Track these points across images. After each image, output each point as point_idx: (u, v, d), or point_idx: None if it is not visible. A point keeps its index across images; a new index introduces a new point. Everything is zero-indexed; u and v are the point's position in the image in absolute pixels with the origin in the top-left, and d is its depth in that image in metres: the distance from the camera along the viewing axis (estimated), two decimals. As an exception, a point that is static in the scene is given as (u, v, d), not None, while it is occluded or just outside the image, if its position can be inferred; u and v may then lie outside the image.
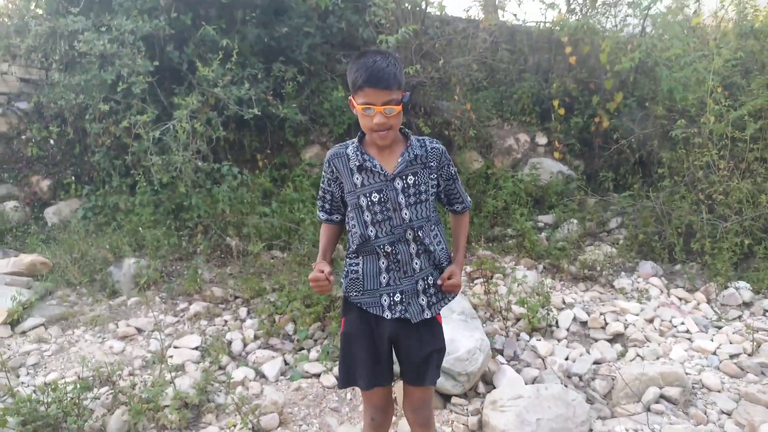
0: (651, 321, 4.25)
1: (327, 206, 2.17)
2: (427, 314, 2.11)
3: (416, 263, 2.08)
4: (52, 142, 5.98)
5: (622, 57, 5.70)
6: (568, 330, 4.17)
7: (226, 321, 4.18)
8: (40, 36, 5.44)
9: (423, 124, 6.02)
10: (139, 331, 4.04)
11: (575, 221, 5.57)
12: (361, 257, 2.10)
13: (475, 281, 4.76)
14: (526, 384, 3.45)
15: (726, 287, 4.53)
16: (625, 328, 4.15)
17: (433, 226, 2.13)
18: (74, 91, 5.38)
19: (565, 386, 3.43)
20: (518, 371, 3.64)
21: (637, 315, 4.29)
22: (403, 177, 2.02)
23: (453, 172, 2.16)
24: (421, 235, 2.06)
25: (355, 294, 2.12)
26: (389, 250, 2.05)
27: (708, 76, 4.99)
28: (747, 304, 4.43)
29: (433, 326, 2.17)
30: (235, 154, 5.96)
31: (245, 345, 3.92)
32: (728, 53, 5.14)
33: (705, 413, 3.25)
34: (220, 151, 5.75)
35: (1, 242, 5.34)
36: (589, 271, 4.89)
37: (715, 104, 4.94)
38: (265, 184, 5.64)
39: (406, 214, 2.03)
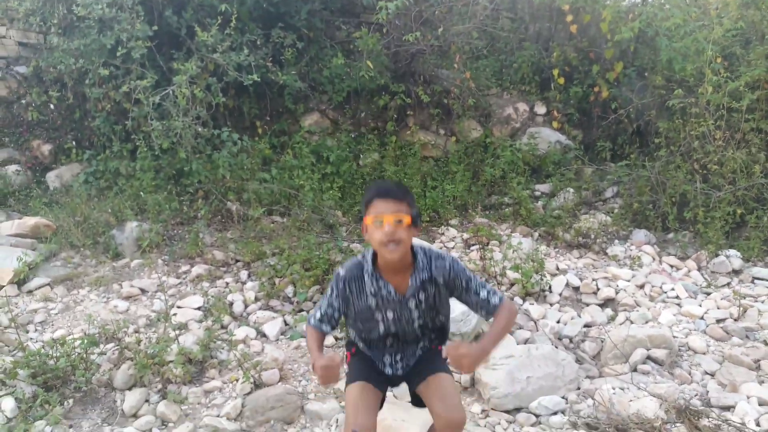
0: (642, 287, 4.36)
1: (324, 317, 2.15)
2: (419, 354, 2.26)
3: (421, 346, 2.27)
4: (52, 106, 5.98)
5: (622, 26, 5.68)
6: (560, 295, 4.28)
7: (227, 283, 4.28)
8: (38, -1, 5.42)
9: (422, 93, 6.03)
10: (143, 291, 4.14)
11: (571, 190, 5.64)
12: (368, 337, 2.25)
13: (471, 247, 4.85)
14: (517, 345, 3.57)
15: (717, 255, 4.63)
16: (616, 293, 4.26)
17: (447, 320, 2.29)
18: (73, 55, 5.36)
19: (556, 347, 3.55)
20: (511, 333, 3.75)
21: (628, 281, 4.40)
22: (416, 296, 2.10)
23: (464, 283, 2.10)
24: (428, 336, 2.23)
25: (362, 344, 2.28)
26: (396, 348, 2.23)
27: (707, 47, 4.99)
28: (736, 272, 4.54)
29: (433, 353, 2.29)
30: (235, 121, 5.98)
31: (246, 306, 4.03)
32: (729, 23, 5.13)
33: (689, 374, 3.38)
34: (220, 117, 5.77)
35: (4, 205, 5.40)
36: (583, 239, 4.99)
37: (713, 75, 4.96)
38: (265, 151, 5.68)
39: (417, 324, 2.16)
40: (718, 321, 3.88)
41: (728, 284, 4.40)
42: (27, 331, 3.63)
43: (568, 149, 6.26)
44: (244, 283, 4.30)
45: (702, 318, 3.93)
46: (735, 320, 3.88)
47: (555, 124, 6.48)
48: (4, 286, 4.03)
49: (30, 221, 4.71)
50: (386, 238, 1.93)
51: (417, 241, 2.24)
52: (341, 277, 2.10)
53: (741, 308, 3.94)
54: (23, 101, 6.09)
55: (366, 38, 5.72)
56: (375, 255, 2.08)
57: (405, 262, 2.05)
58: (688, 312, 3.98)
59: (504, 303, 2.09)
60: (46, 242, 4.61)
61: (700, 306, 4.07)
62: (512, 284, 4.29)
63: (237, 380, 3.18)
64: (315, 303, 4.07)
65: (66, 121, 6.05)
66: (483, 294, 2.08)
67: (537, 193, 5.86)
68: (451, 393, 2.13)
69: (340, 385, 3.23)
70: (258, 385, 3.15)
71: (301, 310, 4.02)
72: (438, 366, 2.22)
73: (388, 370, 2.26)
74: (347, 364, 2.31)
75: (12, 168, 5.82)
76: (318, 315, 2.16)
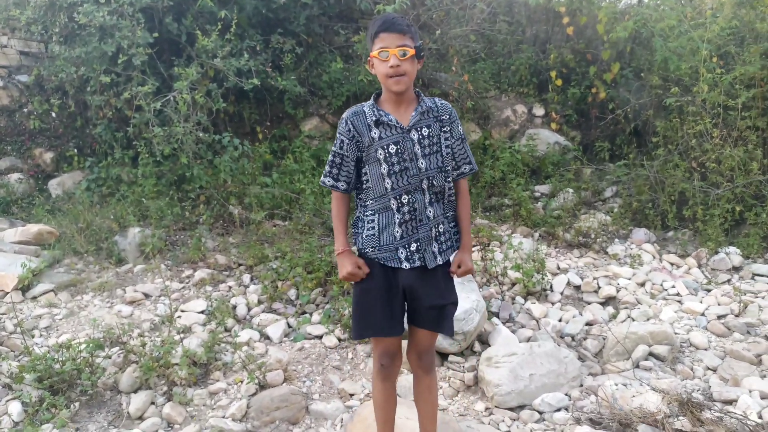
0: (642, 285, 4.38)
1: (335, 171, 2.18)
2: (440, 260, 2.22)
3: (430, 211, 2.19)
4: (53, 114, 6.04)
5: (617, 27, 5.74)
6: (561, 294, 4.30)
7: (230, 287, 4.30)
8: (39, 8, 5.46)
9: (421, 96, 6.07)
10: (146, 296, 4.17)
11: (571, 191, 5.67)
12: (376, 214, 2.19)
13: (472, 248, 4.87)
14: (520, 343, 3.59)
15: (716, 252, 4.65)
16: (617, 291, 4.28)
17: (448, 177, 2.23)
18: (75, 63, 5.41)
19: (558, 345, 3.57)
20: (513, 332, 3.77)
21: (629, 279, 4.42)
22: (418, 129, 2.16)
23: (461, 131, 2.24)
24: (435, 183, 2.18)
25: (371, 249, 2.21)
26: (405, 200, 2.15)
27: (702, 45, 5.03)
28: (736, 269, 4.56)
29: (448, 280, 2.30)
30: (235, 127, 6.02)
31: (249, 309, 4.05)
32: (723, 22, 5.17)
33: (691, 369, 3.40)
34: (220, 123, 5.81)
35: (7, 213, 5.44)
36: (583, 239, 5.01)
37: (708, 73, 5.00)
38: (266, 156, 5.71)
39: (422, 163, 2.15)
40: (719, 317, 3.90)
41: (728, 281, 4.42)
42: (32, 336, 3.64)
43: (566, 150, 6.29)
44: (246, 286, 4.33)
45: (703, 314, 3.95)
46: (736, 316, 3.90)
47: (553, 126, 6.52)
48: (8, 293, 4.06)
49: (33, 228, 4.74)
50: (392, 72, 2.05)
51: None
52: (344, 119, 2.18)
53: (742, 304, 3.96)
54: (25, 110, 6.14)
55: (364, 42, 5.77)
56: (377, 95, 2.21)
57: (408, 95, 2.16)
58: (689, 309, 4.00)
59: (466, 180, 2.32)
60: (49, 249, 4.63)
61: (701, 303, 4.09)
62: (514, 284, 4.31)
63: (241, 381, 3.20)
64: (318, 305, 4.09)
65: (68, 129, 6.10)
66: (468, 153, 2.28)
67: (537, 194, 5.89)
68: (432, 351, 2.37)
69: (347, 385, 3.26)
70: (262, 386, 3.17)
71: (304, 312, 4.04)
72: (446, 321, 2.24)
73: (406, 265, 2.17)
74: (355, 286, 2.25)
75: (15, 176, 5.87)
76: (331, 177, 2.20)
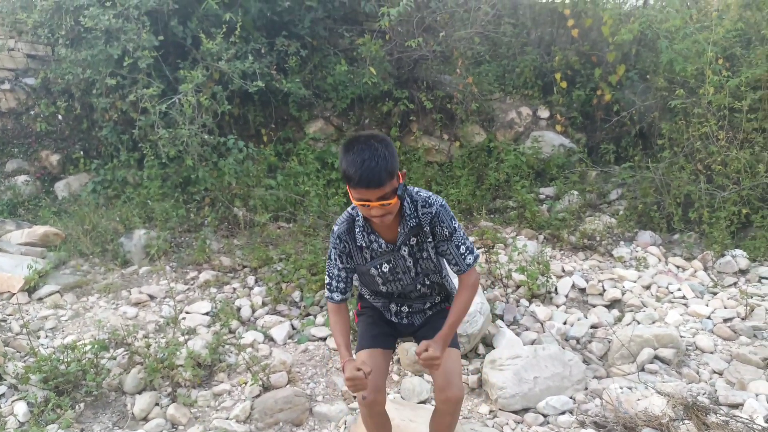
0: (648, 287, 4.36)
1: (341, 285, 2.19)
2: (429, 313, 2.34)
3: (427, 304, 2.33)
4: (60, 117, 6.07)
5: (622, 29, 5.73)
6: (566, 296, 4.29)
7: (234, 288, 4.31)
8: (46, 11, 5.49)
9: (425, 98, 6.08)
10: (151, 297, 4.18)
11: (576, 193, 5.65)
12: (373, 296, 2.36)
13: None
14: (524, 346, 3.57)
15: (723, 255, 4.62)
16: (623, 294, 4.26)
17: (443, 272, 2.31)
18: (81, 66, 5.44)
19: (563, 348, 3.56)
20: (517, 334, 3.77)
21: (634, 282, 4.41)
22: (407, 243, 2.15)
23: (447, 233, 2.11)
24: (429, 282, 2.26)
25: (368, 296, 2.37)
26: (400, 300, 2.32)
27: (708, 47, 5.01)
28: (743, 272, 4.54)
29: (444, 313, 2.34)
30: (240, 129, 6.04)
31: (254, 311, 4.06)
32: (729, 24, 5.16)
33: (697, 372, 3.38)
34: (225, 126, 5.83)
35: (14, 214, 5.47)
36: (588, 241, 4.99)
37: (714, 75, 4.98)
38: (270, 158, 5.73)
39: (414, 272, 2.21)
40: (726, 320, 3.88)
41: (735, 284, 4.39)
42: (38, 337, 3.66)
43: (571, 152, 6.28)
44: (251, 288, 4.33)
45: (709, 317, 3.93)
46: (742, 319, 3.88)
47: (558, 128, 6.50)
48: (15, 294, 4.08)
49: (39, 230, 4.77)
50: (376, 219, 1.99)
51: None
52: (336, 235, 2.15)
53: (748, 307, 3.93)
54: (32, 112, 6.17)
55: (369, 45, 5.78)
56: None
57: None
58: (695, 312, 3.98)
59: (471, 272, 2.16)
60: (55, 250, 4.66)
61: (707, 306, 4.07)
62: (518, 286, 4.30)
63: (246, 383, 3.20)
64: (322, 307, 4.10)
65: (74, 132, 6.13)
66: (462, 249, 2.13)
67: (542, 197, 5.87)
68: (454, 370, 2.19)
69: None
70: (266, 388, 3.17)
71: (308, 315, 4.04)
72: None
73: (394, 319, 2.33)
74: (356, 324, 2.39)
75: (21, 178, 5.90)
76: (332, 285, 2.19)
